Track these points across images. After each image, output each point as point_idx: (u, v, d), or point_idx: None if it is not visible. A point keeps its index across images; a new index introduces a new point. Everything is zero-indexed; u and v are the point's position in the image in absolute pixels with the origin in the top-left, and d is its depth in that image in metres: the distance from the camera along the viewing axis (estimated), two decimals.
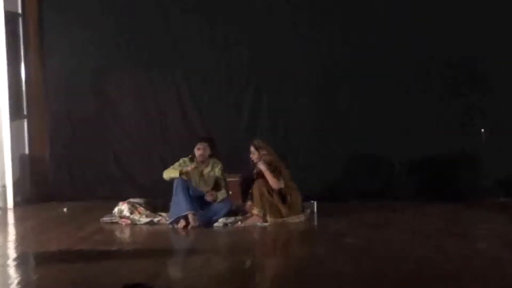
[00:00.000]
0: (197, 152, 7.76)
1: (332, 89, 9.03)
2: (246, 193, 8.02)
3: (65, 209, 8.63)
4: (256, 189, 7.56)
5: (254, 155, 7.64)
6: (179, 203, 7.46)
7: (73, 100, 9.42)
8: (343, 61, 8.95)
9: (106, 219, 7.88)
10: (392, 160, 9.00)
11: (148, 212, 7.92)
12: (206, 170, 7.82)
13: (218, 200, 7.75)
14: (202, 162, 7.76)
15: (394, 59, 8.80)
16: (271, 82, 9.12)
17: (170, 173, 7.68)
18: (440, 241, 6.61)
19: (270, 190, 7.49)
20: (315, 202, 8.09)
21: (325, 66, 8.99)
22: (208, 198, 7.59)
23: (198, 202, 7.65)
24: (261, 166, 7.49)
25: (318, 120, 9.08)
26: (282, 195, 7.57)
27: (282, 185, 7.49)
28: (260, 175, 7.63)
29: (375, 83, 8.88)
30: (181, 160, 7.86)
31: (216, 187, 7.83)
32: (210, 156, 7.80)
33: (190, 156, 7.87)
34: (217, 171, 7.81)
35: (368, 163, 9.03)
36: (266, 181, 7.57)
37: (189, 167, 7.70)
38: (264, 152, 7.57)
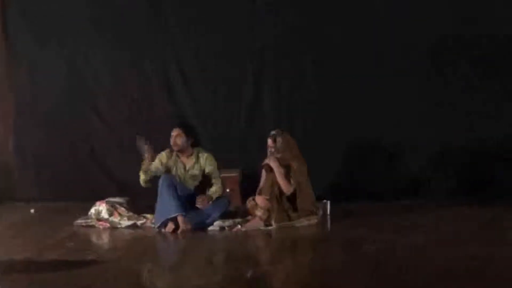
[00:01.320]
0: (171, 141, 7.13)
1: (344, 74, 8.40)
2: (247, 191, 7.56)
3: (32, 211, 8.19)
4: (267, 180, 6.99)
5: (271, 148, 7.14)
6: (166, 204, 6.84)
7: (42, 86, 8.89)
8: (356, 42, 8.38)
9: (80, 222, 7.36)
10: (418, 154, 8.37)
11: (130, 213, 7.44)
12: (190, 163, 7.16)
13: (213, 199, 7.09)
14: (181, 152, 7.10)
15: (416, 37, 8.25)
16: (272, 69, 8.63)
17: (141, 176, 7.03)
18: (474, 248, 5.91)
19: (281, 192, 7.00)
20: (329, 202, 7.50)
21: (335, 49, 8.45)
22: (199, 204, 6.96)
23: (189, 201, 7.00)
24: (272, 164, 6.97)
25: (327, 110, 8.46)
26: (292, 200, 7.05)
27: (292, 190, 6.98)
28: (271, 168, 7.07)
29: (394, 65, 8.27)
30: (157, 159, 7.17)
31: (207, 182, 7.18)
32: (194, 145, 7.16)
33: (169, 149, 7.25)
34: (204, 162, 7.14)
35: (388, 158, 8.42)
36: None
37: (147, 154, 6.93)
38: (278, 145, 7.10)
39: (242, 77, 8.67)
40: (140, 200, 7.67)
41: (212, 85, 8.72)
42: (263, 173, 7.15)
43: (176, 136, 7.08)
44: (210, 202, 7.00)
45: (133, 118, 8.74)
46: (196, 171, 7.17)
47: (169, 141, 7.18)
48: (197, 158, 7.19)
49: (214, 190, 7.12)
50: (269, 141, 7.13)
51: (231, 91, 8.69)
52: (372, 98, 8.31)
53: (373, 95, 8.30)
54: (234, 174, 8.07)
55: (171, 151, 7.18)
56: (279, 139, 7.08)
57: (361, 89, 8.31)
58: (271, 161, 6.97)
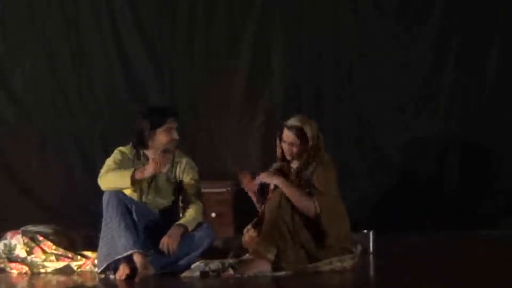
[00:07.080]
0: (166, 136, 5.49)
1: None
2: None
3: None
4: (269, 209, 5.46)
5: (292, 147, 5.38)
6: (115, 237, 5.37)
7: None
8: None
9: None
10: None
11: (60, 250, 5.97)
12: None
13: (188, 230, 5.44)
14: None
15: None
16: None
17: (110, 180, 5.40)
18: None
19: (294, 215, 5.47)
20: (371, 233, 6.13)
21: None
22: (165, 248, 5.39)
23: (151, 231, 5.47)
24: (276, 182, 5.43)
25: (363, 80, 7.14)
26: (312, 227, 5.46)
27: (317, 210, 5.38)
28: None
29: None
30: (116, 153, 5.55)
31: (178, 202, 5.65)
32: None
33: (131, 143, 5.60)
34: (182, 171, 5.61)
35: (466, 164, 7.01)
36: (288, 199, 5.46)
37: (157, 164, 5.28)
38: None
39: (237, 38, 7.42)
40: (77, 229, 6.18)
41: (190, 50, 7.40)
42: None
43: (175, 130, 5.55)
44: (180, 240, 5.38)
45: (64, 100, 7.40)
46: (166, 184, 5.56)
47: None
48: (172, 164, 5.61)
49: (192, 214, 5.48)
50: (288, 135, 5.43)
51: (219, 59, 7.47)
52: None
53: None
54: (223, 189, 6.95)
55: (136, 148, 5.54)
56: (308, 129, 5.35)
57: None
58: (271, 179, 5.40)
